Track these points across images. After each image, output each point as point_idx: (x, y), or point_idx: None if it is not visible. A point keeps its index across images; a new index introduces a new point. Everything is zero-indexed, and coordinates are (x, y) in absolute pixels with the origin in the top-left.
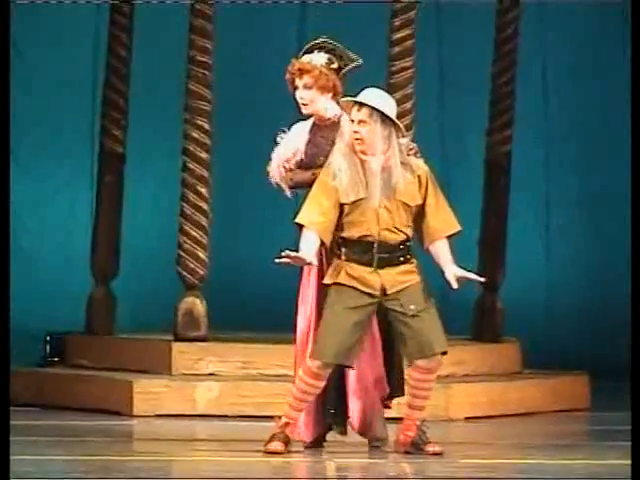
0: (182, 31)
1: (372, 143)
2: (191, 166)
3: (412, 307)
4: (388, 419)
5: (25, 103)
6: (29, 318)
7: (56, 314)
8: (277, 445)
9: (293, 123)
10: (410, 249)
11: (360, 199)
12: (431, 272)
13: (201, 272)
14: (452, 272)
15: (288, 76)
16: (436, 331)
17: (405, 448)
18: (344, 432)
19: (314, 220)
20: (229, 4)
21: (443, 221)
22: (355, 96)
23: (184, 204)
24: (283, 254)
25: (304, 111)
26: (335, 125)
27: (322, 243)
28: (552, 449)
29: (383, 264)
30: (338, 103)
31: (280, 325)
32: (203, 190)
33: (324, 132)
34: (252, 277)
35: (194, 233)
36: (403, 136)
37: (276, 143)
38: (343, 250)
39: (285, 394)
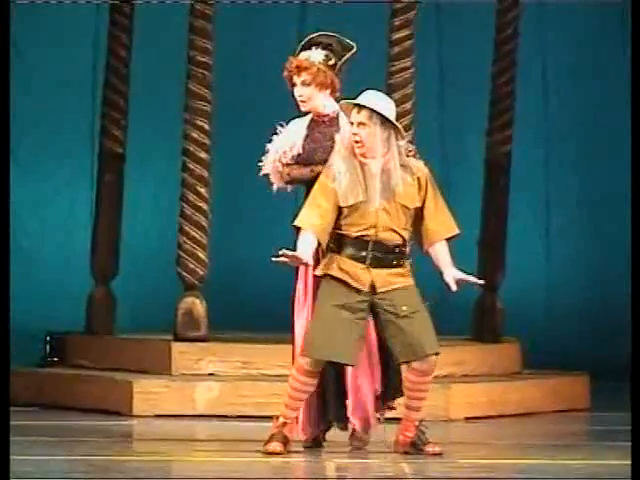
0: (182, 31)
1: (372, 146)
2: (191, 166)
3: (404, 308)
4: (387, 419)
5: (25, 103)
6: (29, 318)
7: (56, 314)
8: (276, 445)
9: (292, 119)
10: (405, 254)
11: (359, 202)
12: (431, 273)
13: (201, 272)
14: (451, 275)
15: (286, 73)
16: (427, 333)
17: (404, 448)
18: (344, 428)
19: (312, 222)
20: (229, 4)
21: (442, 224)
22: (354, 98)
23: (184, 204)
24: (280, 253)
25: (303, 108)
26: (333, 121)
27: (319, 244)
28: (552, 449)
29: (376, 263)
30: (337, 100)
31: (280, 325)
32: (203, 190)
33: (322, 128)
34: (252, 277)
35: (194, 233)
36: (402, 138)
37: (275, 135)
38: (339, 245)
39: (284, 394)
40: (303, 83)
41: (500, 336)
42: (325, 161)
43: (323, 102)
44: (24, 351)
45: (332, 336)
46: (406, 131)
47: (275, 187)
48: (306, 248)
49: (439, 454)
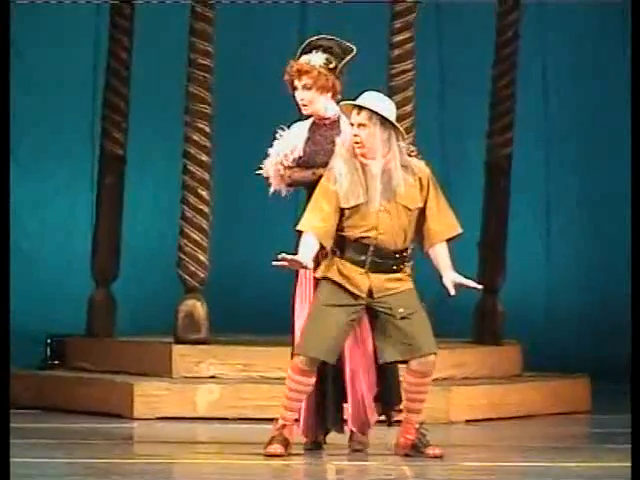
0: (183, 33)
1: (372, 146)
2: (192, 169)
3: (401, 310)
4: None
5: (25, 103)
6: (29, 320)
7: (56, 316)
8: (277, 448)
9: (293, 123)
10: (405, 258)
11: (360, 203)
12: (431, 275)
13: (202, 275)
14: (450, 278)
15: (287, 77)
16: (425, 333)
17: (405, 451)
18: (341, 430)
19: (314, 225)
20: (229, 4)
21: (444, 224)
22: (354, 99)
23: (185, 207)
24: (280, 257)
25: (304, 111)
26: (334, 124)
27: (322, 247)
28: (552, 452)
29: (375, 268)
30: (337, 103)
31: (281, 327)
32: (204, 193)
33: (323, 131)
34: (253, 280)
35: (195, 236)
36: (403, 139)
37: (276, 139)
38: (340, 248)
39: (283, 397)
40: (304, 87)
41: (500, 338)
42: (326, 164)
43: (324, 105)
44: (24, 353)
45: (326, 336)
46: (407, 133)
47: (272, 189)
48: (306, 251)
49: (440, 457)
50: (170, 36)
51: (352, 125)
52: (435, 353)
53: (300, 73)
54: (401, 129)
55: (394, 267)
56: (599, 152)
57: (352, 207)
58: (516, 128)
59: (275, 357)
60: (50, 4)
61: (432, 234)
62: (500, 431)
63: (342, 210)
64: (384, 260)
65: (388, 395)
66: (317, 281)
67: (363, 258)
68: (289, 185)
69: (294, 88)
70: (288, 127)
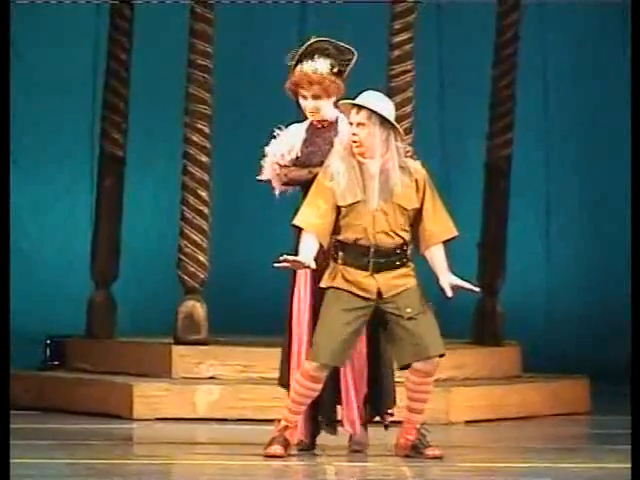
0: (182, 34)
1: (371, 146)
2: (191, 169)
3: (408, 310)
4: (384, 423)
5: (25, 104)
6: (29, 321)
7: (56, 317)
8: (277, 448)
9: (292, 124)
10: (407, 253)
11: (357, 202)
12: (431, 277)
13: (201, 276)
14: (447, 280)
15: (293, 87)
16: (432, 334)
17: (405, 451)
18: (334, 432)
19: (312, 222)
20: (229, 5)
21: (441, 226)
22: (354, 99)
23: (184, 208)
24: (281, 258)
25: (312, 118)
26: (332, 125)
27: (321, 246)
28: (552, 453)
29: (379, 268)
30: (336, 102)
31: (281, 329)
32: (203, 194)
33: (321, 132)
34: (252, 280)
35: (194, 237)
36: (402, 139)
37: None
38: (340, 254)
39: (285, 398)
40: (314, 96)
41: (500, 339)
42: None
43: (330, 109)
44: (24, 354)
45: (338, 342)
46: (407, 134)
47: (277, 192)
48: (307, 252)
49: (439, 457)
50: (170, 37)
51: (351, 124)
52: (443, 354)
53: (311, 83)
54: (400, 129)
55: (397, 263)
56: (599, 152)
57: (348, 205)
58: (516, 128)
59: (275, 358)
60: (50, 4)
61: (428, 236)
62: (500, 432)
63: (338, 208)
64: (386, 259)
65: (380, 397)
66: (320, 289)
67: (365, 260)
68: (285, 184)
69: (301, 96)
70: (286, 126)
